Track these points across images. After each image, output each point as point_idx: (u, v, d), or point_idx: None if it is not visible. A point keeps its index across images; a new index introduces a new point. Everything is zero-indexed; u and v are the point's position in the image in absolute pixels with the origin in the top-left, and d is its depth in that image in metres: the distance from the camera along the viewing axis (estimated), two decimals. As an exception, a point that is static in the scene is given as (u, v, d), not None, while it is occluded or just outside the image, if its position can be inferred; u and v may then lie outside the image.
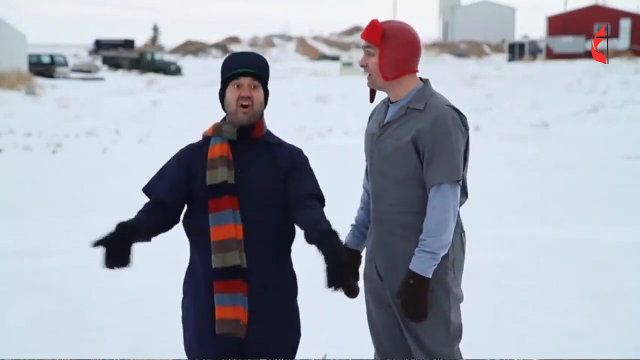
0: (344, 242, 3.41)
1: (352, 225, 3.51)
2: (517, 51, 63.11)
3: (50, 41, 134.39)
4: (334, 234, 3.00)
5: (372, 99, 3.43)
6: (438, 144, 3.12)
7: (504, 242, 7.74)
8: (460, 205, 3.27)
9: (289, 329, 3.25)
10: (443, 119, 3.13)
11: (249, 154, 3.19)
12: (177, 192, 3.18)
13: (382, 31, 3.20)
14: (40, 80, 37.64)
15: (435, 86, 3.40)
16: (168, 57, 63.14)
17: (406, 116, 3.21)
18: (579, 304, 5.93)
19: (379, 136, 3.27)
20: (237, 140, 3.19)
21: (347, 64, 46.76)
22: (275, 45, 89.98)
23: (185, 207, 3.26)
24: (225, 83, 3.20)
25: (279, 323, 3.21)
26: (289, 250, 3.29)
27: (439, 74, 36.49)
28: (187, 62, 63.50)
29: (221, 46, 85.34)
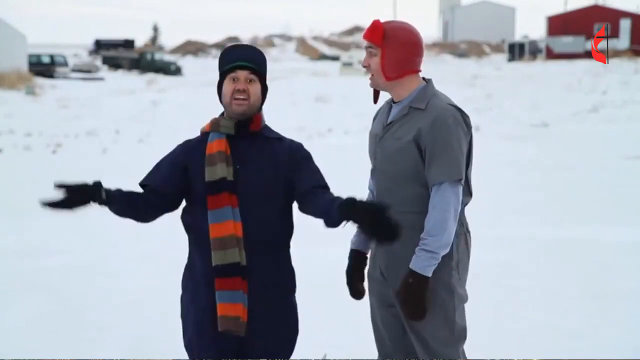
0: (350, 245, 3.43)
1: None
2: (517, 51, 63.12)
3: (50, 41, 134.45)
4: (354, 199, 2.90)
5: (375, 100, 3.43)
6: (439, 143, 3.12)
7: (504, 242, 7.74)
8: (465, 205, 3.26)
9: (287, 327, 3.26)
10: (444, 118, 3.13)
11: (248, 149, 3.18)
12: (169, 184, 3.17)
13: (383, 31, 3.20)
14: (40, 80, 37.65)
15: (435, 86, 3.40)
16: (168, 57, 63.15)
17: (408, 116, 3.21)
18: (579, 304, 5.93)
19: (382, 137, 3.28)
20: (235, 135, 3.18)
21: (347, 64, 46.76)
22: (275, 45, 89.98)
23: (184, 203, 3.25)
24: (222, 76, 3.20)
25: (278, 321, 3.21)
26: (288, 246, 3.28)
27: (439, 74, 36.49)
28: (187, 62, 63.51)
29: (221, 46, 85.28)
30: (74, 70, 46.70)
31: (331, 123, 21.85)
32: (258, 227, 3.14)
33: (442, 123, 3.12)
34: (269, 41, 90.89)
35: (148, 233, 8.31)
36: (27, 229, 8.70)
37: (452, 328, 3.21)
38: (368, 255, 3.45)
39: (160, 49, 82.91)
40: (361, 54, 48.60)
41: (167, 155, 3.27)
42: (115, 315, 5.72)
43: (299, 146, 3.28)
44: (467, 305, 3.32)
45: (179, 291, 3.31)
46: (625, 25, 57.75)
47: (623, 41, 56.64)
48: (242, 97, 3.14)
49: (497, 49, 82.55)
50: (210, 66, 57.21)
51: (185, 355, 3.31)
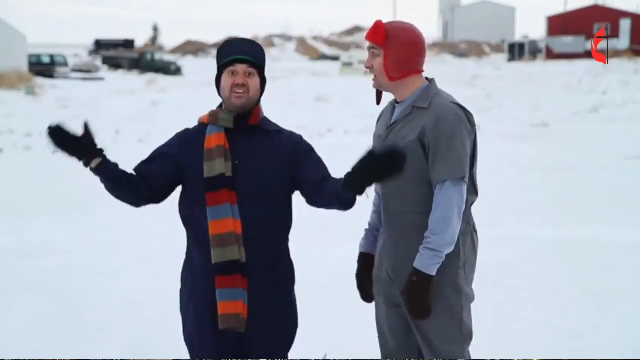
0: (359, 248, 3.42)
1: (365, 229, 3.50)
2: (517, 51, 63.12)
3: (50, 41, 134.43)
4: (350, 171, 2.94)
5: (378, 101, 3.43)
6: (441, 141, 3.11)
7: (504, 242, 7.74)
8: (472, 204, 3.26)
9: (287, 323, 3.26)
10: (446, 116, 3.13)
11: (247, 143, 3.17)
12: (160, 179, 3.15)
13: (385, 32, 3.20)
14: (40, 80, 37.64)
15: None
16: (168, 57, 63.15)
17: (411, 115, 3.21)
18: (579, 304, 5.93)
19: (386, 137, 3.27)
20: (234, 129, 3.17)
21: (347, 64, 46.77)
22: (275, 45, 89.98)
23: (178, 195, 3.23)
24: (220, 69, 3.19)
25: (277, 317, 3.22)
26: (287, 240, 3.28)
27: (439, 74, 36.33)
28: (187, 62, 63.51)
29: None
30: (74, 70, 46.69)
31: (331, 123, 21.85)
32: (257, 224, 3.13)
33: (445, 121, 3.12)
34: (269, 41, 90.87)
35: (148, 233, 8.32)
36: (27, 229, 8.70)
37: (460, 327, 3.21)
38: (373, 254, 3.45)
39: (160, 49, 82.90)
40: (361, 54, 48.64)
41: (164, 146, 3.23)
42: (115, 315, 5.72)
43: (300, 138, 3.27)
44: (467, 305, 3.31)
45: (179, 290, 3.31)
46: (625, 25, 57.76)
47: (623, 41, 56.65)
48: (240, 90, 3.13)
49: (497, 49, 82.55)
50: (210, 66, 57.18)
51: (186, 355, 3.31)
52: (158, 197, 3.20)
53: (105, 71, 50.49)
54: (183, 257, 3.30)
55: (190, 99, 27.64)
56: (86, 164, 3.04)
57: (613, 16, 57.62)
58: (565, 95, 28.88)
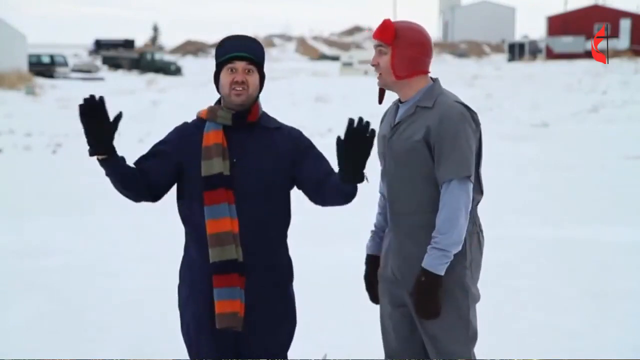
0: (365, 250, 3.42)
1: (371, 230, 3.49)
2: (517, 51, 63.12)
3: (50, 41, 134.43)
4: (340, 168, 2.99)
5: (380, 100, 3.42)
6: (446, 141, 3.11)
7: (504, 242, 7.74)
8: (477, 203, 3.25)
9: (286, 322, 3.26)
10: (451, 116, 3.13)
11: (246, 140, 3.16)
12: (160, 173, 3.15)
13: (394, 31, 3.20)
14: (40, 80, 37.63)
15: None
16: (168, 57, 63.15)
17: (415, 115, 3.20)
18: (579, 304, 5.93)
19: (390, 137, 3.27)
20: (232, 126, 3.16)
21: (347, 64, 46.75)
22: (275, 45, 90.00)
23: (180, 193, 3.22)
24: (219, 66, 3.17)
25: (277, 317, 3.22)
26: (285, 236, 3.27)
27: (439, 74, 35.96)
28: (187, 62, 63.51)
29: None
30: (74, 70, 46.68)
31: (331, 123, 21.85)
32: (256, 224, 3.13)
33: (450, 120, 3.12)
34: (269, 41, 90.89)
35: (148, 233, 8.31)
36: (27, 229, 8.70)
37: (467, 328, 3.21)
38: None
39: (160, 49, 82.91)
40: (361, 54, 48.66)
41: (163, 142, 3.21)
42: (115, 315, 5.72)
43: (299, 134, 3.27)
44: (467, 306, 3.31)
45: (177, 286, 3.31)
46: (625, 25, 57.76)
47: (623, 41, 56.65)
48: (240, 88, 3.13)
49: (497, 49, 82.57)
50: (210, 66, 57.16)
51: (186, 355, 3.31)
52: (156, 194, 3.19)
53: (105, 71, 50.48)
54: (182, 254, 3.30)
55: (190, 99, 27.64)
56: (91, 154, 3.01)
57: (613, 16, 57.62)
58: (565, 95, 28.88)
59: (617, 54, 50.49)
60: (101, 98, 2.97)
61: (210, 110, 3.19)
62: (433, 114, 3.16)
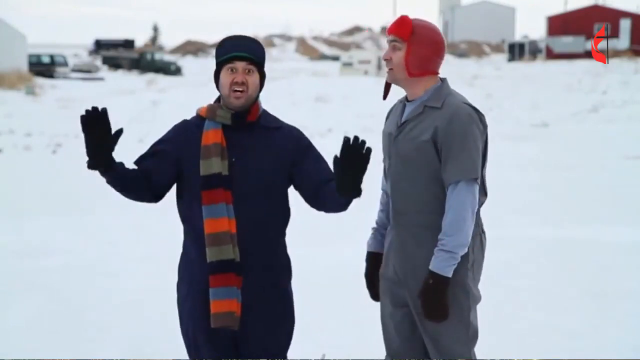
0: (366, 247, 3.42)
1: (373, 228, 3.49)
2: (517, 51, 63.11)
3: (50, 41, 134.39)
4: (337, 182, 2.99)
5: (385, 96, 3.41)
6: (455, 142, 3.11)
7: (504, 242, 7.73)
8: (481, 204, 3.25)
9: (285, 322, 3.26)
10: (460, 117, 3.12)
11: (245, 140, 3.16)
12: (162, 172, 3.14)
13: (411, 27, 3.19)
14: (40, 80, 37.62)
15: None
16: (168, 57, 63.13)
17: (423, 114, 3.20)
18: (579, 304, 5.93)
19: (396, 136, 3.26)
20: (231, 126, 3.16)
21: (347, 64, 46.71)
22: (275, 45, 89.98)
23: (179, 190, 3.22)
24: (219, 65, 3.17)
25: (276, 317, 3.22)
26: (284, 235, 3.27)
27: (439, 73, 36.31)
28: (187, 62, 63.49)
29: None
30: (74, 70, 46.66)
31: (331, 123, 21.85)
32: (254, 223, 3.13)
33: (458, 122, 3.12)
34: (269, 41, 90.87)
35: (148, 233, 8.31)
36: (27, 229, 8.70)
37: (467, 328, 3.21)
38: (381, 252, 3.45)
39: (160, 49, 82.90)
40: (361, 54, 48.64)
41: (162, 141, 3.21)
42: (115, 315, 5.72)
43: (300, 134, 3.27)
44: (467, 306, 3.31)
45: (176, 283, 3.31)
46: (625, 25, 57.74)
47: (623, 41, 56.64)
48: (240, 89, 3.12)
49: (497, 49, 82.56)
50: (210, 66, 57.16)
51: (186, 355, 3.31)
52: (158, 194, 3.19)
53: (105, 71, 50.46)
54: (182, 255, 3.30)
55: (190, 99, 27.62)
56: (90, 166, 2.98)
57: (613, 16, 57.60)
58: (565, 95, 28.88)
59: (617, 54, 50.47)
60: (104, 109, 2.94)
61: (210, 108, 3.19)
62: (441, 114, 3.15)
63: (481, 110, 3.26)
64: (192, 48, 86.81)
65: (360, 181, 2.94)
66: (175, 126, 3.26)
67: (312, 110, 25.63)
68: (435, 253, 3.11)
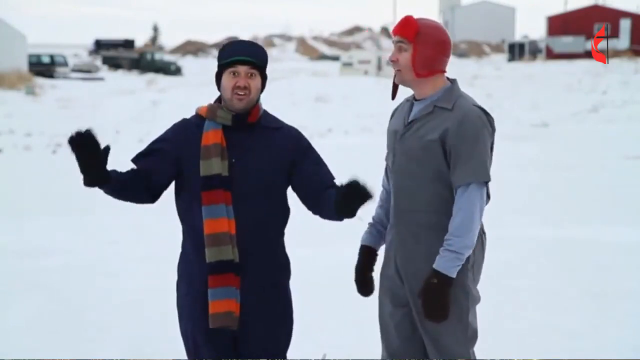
0: (360, 241, 3.43)
1: (369, 223, 3.49)
2: (517, 51, 63.12)
3: (50, 41, 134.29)
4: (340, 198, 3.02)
5: (394, 96, 3.42)
6: (466, 145, 3.11)
7: (504, 242, 7.73)
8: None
9: (284, 320, 3.27)
10: (471, 119, 3.13)
11: (245, 140, 3.16)
12: (161, 172, 3.15)
13: (417, 28, 3.19)
14: (40, 80, 37.63)
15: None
16: (168, 57, 63.14)
17: (433, 114, 3.20)
18: (579, 304, 5.93)
19: (403, 134, 3.25)
20: (232, 126, 3.16)
21: (347, 64, 46.72)
22: (275, 45, 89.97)
23: (178, 190, 3.22)
24: (222, 68, 3.17)
25: (275, 317, 3.23)
26: (283, 235, 3.28)
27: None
28: (187, 62, 63.49)
29: (221, 46, 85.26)
30: (74, 70, 46.68)
31: (331, 123, 21.86)
32: (254, 225, 3.14)
33: (470, 124, 3.12)
34: (269, 41, 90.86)
35: (148, 233, 8.31)
36: (27, 229, 8.70)
37: (465, 329, 3.21)
38: (378, 252, 3.44)
39: (160, 49, 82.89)
40: (361, 54, 48.63)
41: (161, 140, 3.21)
42: (115, 315, 5.72)
43: (300, 134, 3.28)
44: (467, 305, 3.31)
45: (175, 282, 3.31)
46: (625, 25, 57.75)
47: (623, 41, 56.65)
48: (242, 93, 3.13)
49: (497, 49, 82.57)
50: (210, 66, 57.18)
51: (185, 355, 3.31)
52: (155, 194, 3.20)
53: (105, 71, 50.47)
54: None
55: (190, 99, 27.63)
56: (86, 183, 3.01)
57: (613, 16, 57.61)
58: (565, 95, 28.90)
59: (617, 54, 50.50)
60: (88, 130, 2.94)
61: (210, 109, 3.19)
62: (452, 116, 3.15)
63: (483, 111, 3.26)
64: (192, 48, 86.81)
65: (357, 210, 2.98)
66: (175, 125, 3.26)
67: (312, 110, 25.64)
68: (440, 252, 3.11)
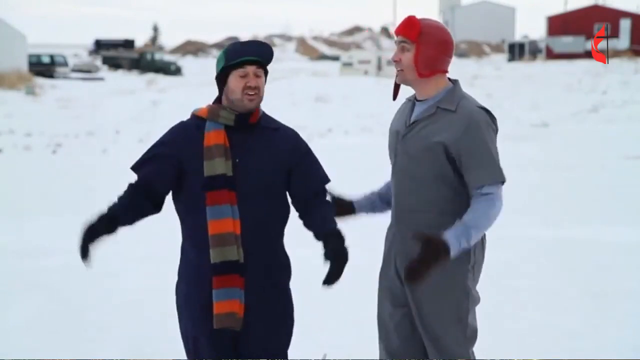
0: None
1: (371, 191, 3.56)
2: (517, 51, 63.12)
3: (50, 41, 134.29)
4: (339, 236, 3.13)
5: (395, 97, 3.42)
6: (477, 147, 3.11)
7: (504, 242, 7.73)
8: None
9: (284, 320, 3.27)
10: (478, 123, 3.13)
11: (247, 140, 3.17)
12: (164, 178, 3.15)
13: (420, 28, 3.19)
14: (40, 80, 37.62)
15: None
16: (168, 57, 63.13)
17: (435, 115, 3.19)
18: (579, 304, 5.93)
19: (405, 135, 3.26)
20: (233, 126, 3.16)
21: (347, 64, 46.72)
22: (275, 45, 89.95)
23: (178, 191, 3.21)
24: (228, 69, 3.15)
25: (275, 315, 3.23)
26: (283, 234, 3.28)
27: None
28: (187, 62, 63.49)
29: (221, 46, 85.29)
30: (74, 70, 46.67)
31: (331, 123, 21.85)
32: (256, 224, 3.14)
33: (478, 127, 3.13)
34: (269, 41, 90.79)
35: (148, 233, 8.30)
36: (27, 229, 8.70)
37: (465, 329, 3.22)
38: (355, 210, 3.53)
39: (160, 49, 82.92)
40: (361, 54, 48.63)
41: (161, 145, 3.19)
42: (115, 315, 5.72)
43: (298, 135, 3.30)
44: (467, 305, 3.31)
45: (175, 283, 3.31)
46: (625, 25, 57.76)
47: (623, 41, 56.66)
48: (252, 93, 3.13)
49: (497, 49, 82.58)
50: (210, 66, 57.16)
51: (185, 356, 3.31)
52: (158, 203, 3.22)
53: (105, 71, 50.47)
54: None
55: (190, 99, 27.63)
56: (120, 227, 3.27)
57: (613, 16, 57.62)
58: (565, 95, 28.89)
59: (617, 54, 50.51)
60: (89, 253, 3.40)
61: (211, 110, 3.18)
62: (456, 118, 3.15)
63: (484, 111, 3.27)
64: (192, 48, 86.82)
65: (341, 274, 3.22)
66: (173, 128, 3.25)
67: (312, 110, 25.63)
68: (455, 224, 3.07)
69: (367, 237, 5.48)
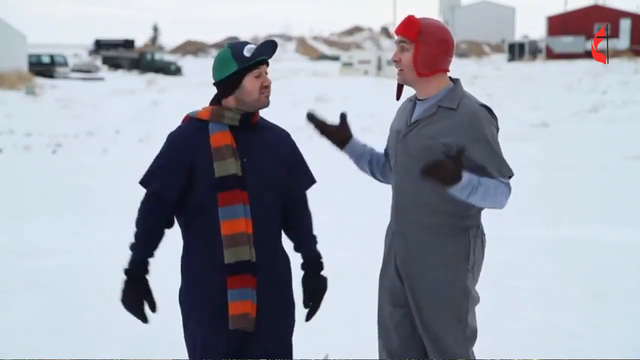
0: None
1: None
2: (517, 51, 63.14)
3: (50, 41, 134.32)
4: (318, 265, 3.28)
5: (398, 96, 3.43)
6: (483, 145, 3.11)
7: (504, 242, 7.73)
8: (482, 208, 3.26)
9: (288, 317, 3.29)
10: (482, 120, 3.14)
11: (250, 140, 3.18)
12: (179, 190, 3.12)
13: (419, 27, 3.19)
14: (40, 80, 37.61)
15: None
16: (168, 57, 63.15)
17: (437, 115, 3.19)
18: (579, 304, 5.93)
19: (406, 134, 3.26)
20: (238, 126, 3.17)
21: (347, 64, 46.71)
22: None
23: (184, 195, 3.19)
24: (241, 72, 3.13)
25: (280, 313, 3.24)
26: (281, 232, 3.32)
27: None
28: (187, 62, 63.49)
29: (221, 46, 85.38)
30: (74, 70, 46.68)
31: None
32: (263, 223, 3.15)
33: (482, 125, 3.13)
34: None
35: (148, 233, 8.30)
36: (27, 229, 8.70)
37: (465, 329, 3.22)
38: (345, 149, 3.52)
39: (160, 49, 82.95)
40: (361, 54, 48.64)
41: (168, 150, 3.16)
42: (115, 315, 5.70)
43: (288, 135, 3.35)
44: (467, 305, 3.32)
45: (179, 288, 3.30)
46: (625, 25, 57.77)
47: (623, 41, 56.67)
48: (267, 91, 3.17)
49: (497, 49, 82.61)
50: (210, 66, 57.17)
51: (185, 355, 3.30)
52: (171, 219, 3.23)
53: (105, 71, 50.47)
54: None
55: (190, 99, 27.61)
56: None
57: (613, 16, 57.64)
58: (565, 95, 28.89)
59: (617, 54, 50.52)
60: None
61: (214, 111, 3.17)
62: (458, 116, 3.15)
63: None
64: (192, 48, 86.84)
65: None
66: (173, 135, 3.20)
67: (312, 110, 25.61)
68: (470, 175, 3.06)
69: (367, 237, 5.48)
